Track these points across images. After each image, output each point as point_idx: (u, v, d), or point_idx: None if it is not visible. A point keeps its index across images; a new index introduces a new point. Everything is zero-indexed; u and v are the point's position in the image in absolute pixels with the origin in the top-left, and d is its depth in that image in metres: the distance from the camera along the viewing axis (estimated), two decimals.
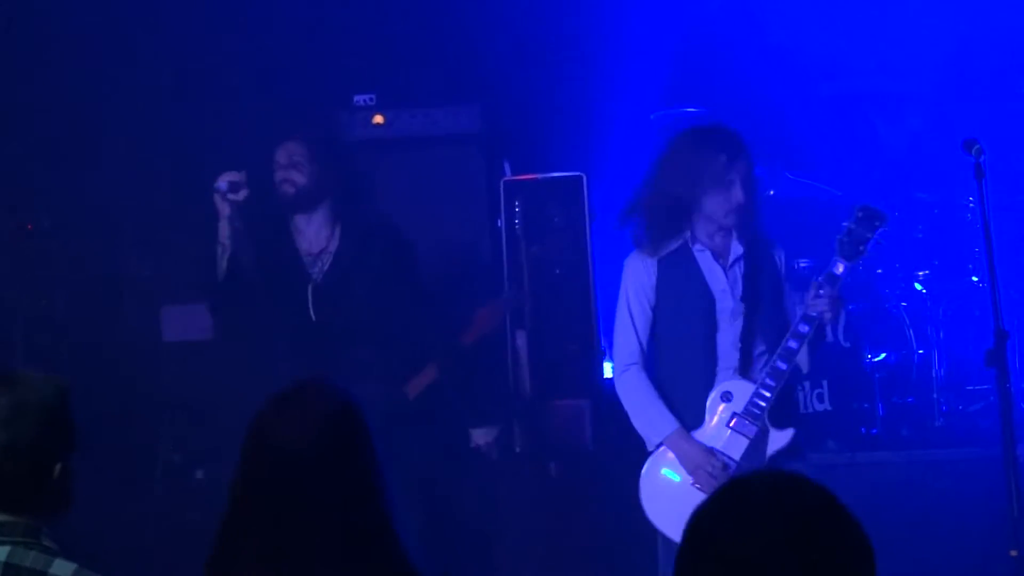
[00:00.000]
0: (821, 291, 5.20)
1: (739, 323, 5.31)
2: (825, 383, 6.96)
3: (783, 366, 5.20)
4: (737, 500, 2.08)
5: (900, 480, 6.56)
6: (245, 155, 6.18)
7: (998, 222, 5.69)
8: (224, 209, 5.82)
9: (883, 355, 7.14)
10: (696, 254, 5.35)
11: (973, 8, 7.76)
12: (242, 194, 5.82)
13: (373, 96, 7.61)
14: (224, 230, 5.84)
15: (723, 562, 2.01)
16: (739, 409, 5.22)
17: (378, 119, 7.53)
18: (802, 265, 7.11)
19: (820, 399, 7.00)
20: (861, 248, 5.26)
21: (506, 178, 7.40)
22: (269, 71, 7.55)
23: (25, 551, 3.09)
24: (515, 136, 7.75)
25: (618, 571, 6.26)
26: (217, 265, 5.88)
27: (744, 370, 5.29)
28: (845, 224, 5.28)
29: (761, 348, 5.32)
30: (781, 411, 5.28)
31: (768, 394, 5.19)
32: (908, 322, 7.15)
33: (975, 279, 7.20)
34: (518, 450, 6.96)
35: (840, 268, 5.23)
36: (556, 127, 7.87)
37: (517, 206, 7.25)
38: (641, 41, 7.80)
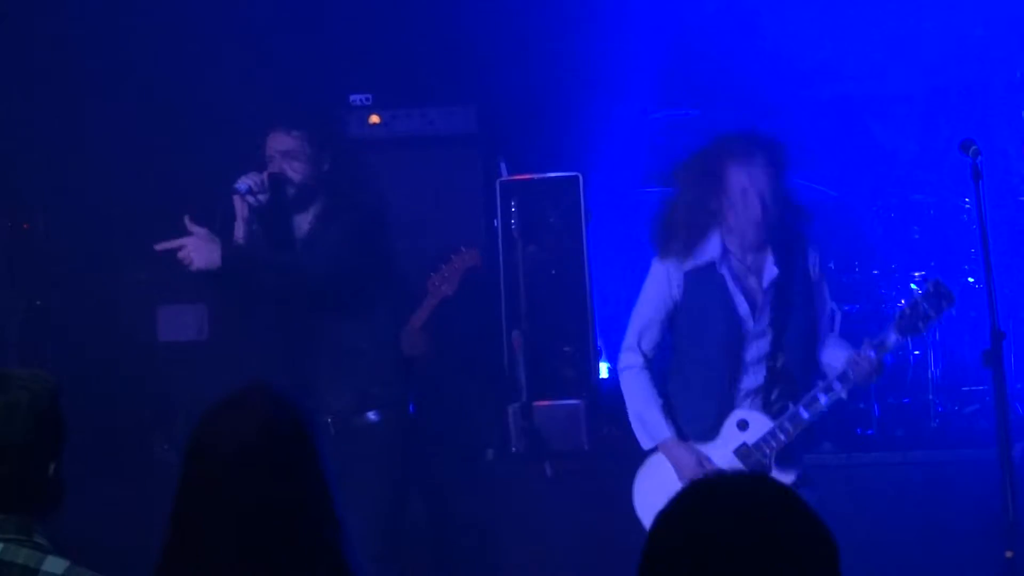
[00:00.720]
0: (865, 357, 5.14)
1: (764, 344, 5.25)
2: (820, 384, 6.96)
3: (806, 415, 5.17)
4: (699, 502, 2.07)
5: (895, 481, 6.56)
6: (243, 156, 6.15)
7: (994, 223, 5.69)
8: (243, 211, 5.73)
9: None
10: (725, 272, 5.25)
11: (969, 10, 7.77)
12: (262, 197, 5.74)
13: (370, 96, 7.61)
14: (240, 230, 5.76)
15: (685, 564, 2.01)
16: (750, 441, 5.20)
17: (374, 119, 7.53)
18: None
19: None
20: (920, 325, 5.16)
21: (502, 178, 7.40)
22: (266, 71, 7.54)
23: (18, 548, 3.09)
24: (511, 136, 7.75)
25: (614, 571, 6.26)
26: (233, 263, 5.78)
27: (768, 391, 5.25)
28: (914, 294, 5.21)
29: (784, 367, 5.28)
30: (790, 455, 5.26)
31: (783, 438, 5.17)
32: None
33: (971, 280, 7.20)
34: (514, 449, 6.96)
35: (892, 340, 5.15)
36: (552, 127, 7.87)
37: (513, 206, 7.24)
38: (638, 41, 7.79)
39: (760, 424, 5.22)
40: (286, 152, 5.79)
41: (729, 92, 7.69)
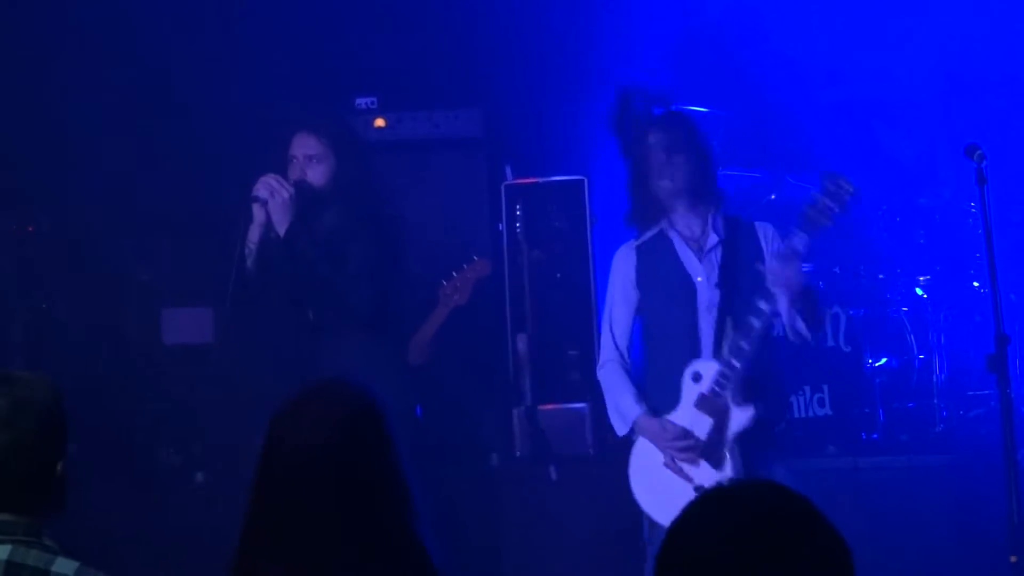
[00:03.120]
0: (779, 267, 5.11)
1: (714, 308, 5.30)
2: (826, 388, 6.96)
3: (745, 345, 5.16)
4: (713, 510, 2.07)
5: (900, 485, 6.55)
6: (247, 157, 6.16)
7: (999, 227, 5.69)
8: (260, 216, 5.77)
9: (884, 360, 7.13)
10: (673, 239, 5.38)
11: (975, 13, 7.77)
12: (279, 198, 5.74)
13: (375, 99, 7.61)
14: (255, 234, 5.79)
15: (700, 572, 2.01)
16: (705, 389, 5.21)
17: (380, 122, 7.53)
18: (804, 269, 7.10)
19: (821, 404, 7.00)
20: (825, 221, 5.06)
21: (507, 182, 7.40)
22: (271, 74, 7.55)
23: (27, 550, 3.09)
24: (517, 140, 7.75)
25: (617, 573, 6.26)
26: (243, 266, 5.81)
27: (717, 344, 5.27)
28: (812, 193, 5.15)
29: (732, 321, 5.30)
30: (745, 390, 5.23)
31: (731, 372, 5.16)
32: (909, 327, 7.14)
33: (976, 284, 7.20)
34: (519, 453, 6.95)
35: (799, 241, 5.07)
36: (558, 131, 7.87)
37: (518, 210, 7.25)
38: (643, 44, 7.79)
39: (709, 369, 5.22)
40: (310, 156, 5.84)
41: (735, 95, 7.69)
